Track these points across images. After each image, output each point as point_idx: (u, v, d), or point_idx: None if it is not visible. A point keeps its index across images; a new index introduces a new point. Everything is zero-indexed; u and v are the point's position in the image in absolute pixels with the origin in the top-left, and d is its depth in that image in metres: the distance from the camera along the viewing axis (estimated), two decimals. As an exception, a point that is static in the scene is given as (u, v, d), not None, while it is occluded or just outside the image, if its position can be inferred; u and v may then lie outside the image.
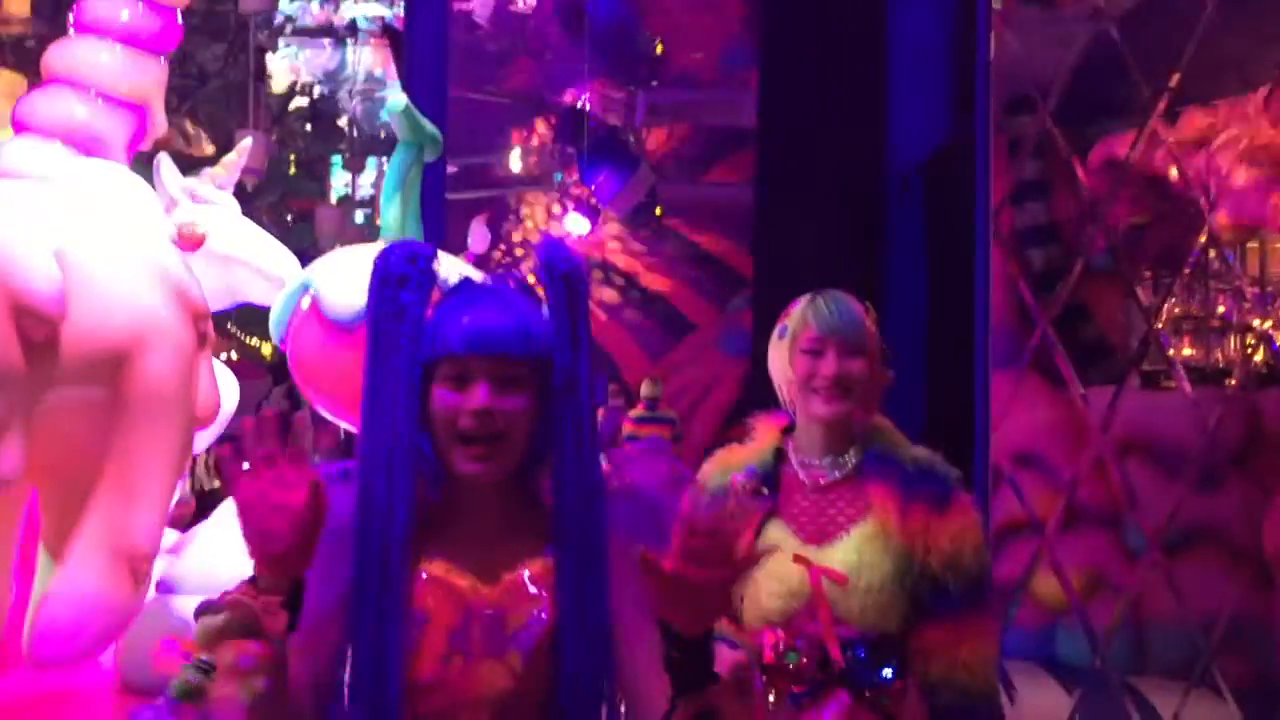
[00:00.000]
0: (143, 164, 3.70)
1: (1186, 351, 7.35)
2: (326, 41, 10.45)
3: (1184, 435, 6.05)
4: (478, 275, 1.74)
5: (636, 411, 7.94)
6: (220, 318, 4.62)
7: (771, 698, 2.18)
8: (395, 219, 3.14)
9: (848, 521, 2.21)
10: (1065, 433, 6.77)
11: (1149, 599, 6.06)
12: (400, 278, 1.52)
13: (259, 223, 10.46)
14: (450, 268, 1.71)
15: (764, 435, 2.36)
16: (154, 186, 3.72)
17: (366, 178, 10.42)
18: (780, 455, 2.30)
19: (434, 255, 1.54)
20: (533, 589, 1.53)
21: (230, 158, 4.23)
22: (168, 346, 2.60)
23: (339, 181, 10.67)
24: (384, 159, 9.98)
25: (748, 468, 2.28)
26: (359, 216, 9.22)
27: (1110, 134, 6.84)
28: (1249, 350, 7.64)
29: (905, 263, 5.84)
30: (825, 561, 2.17)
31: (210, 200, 3.83)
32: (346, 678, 1.47)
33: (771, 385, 2.35)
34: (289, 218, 10.39)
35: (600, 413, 7.22)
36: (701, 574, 1.41)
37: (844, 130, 5.81)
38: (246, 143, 4.38)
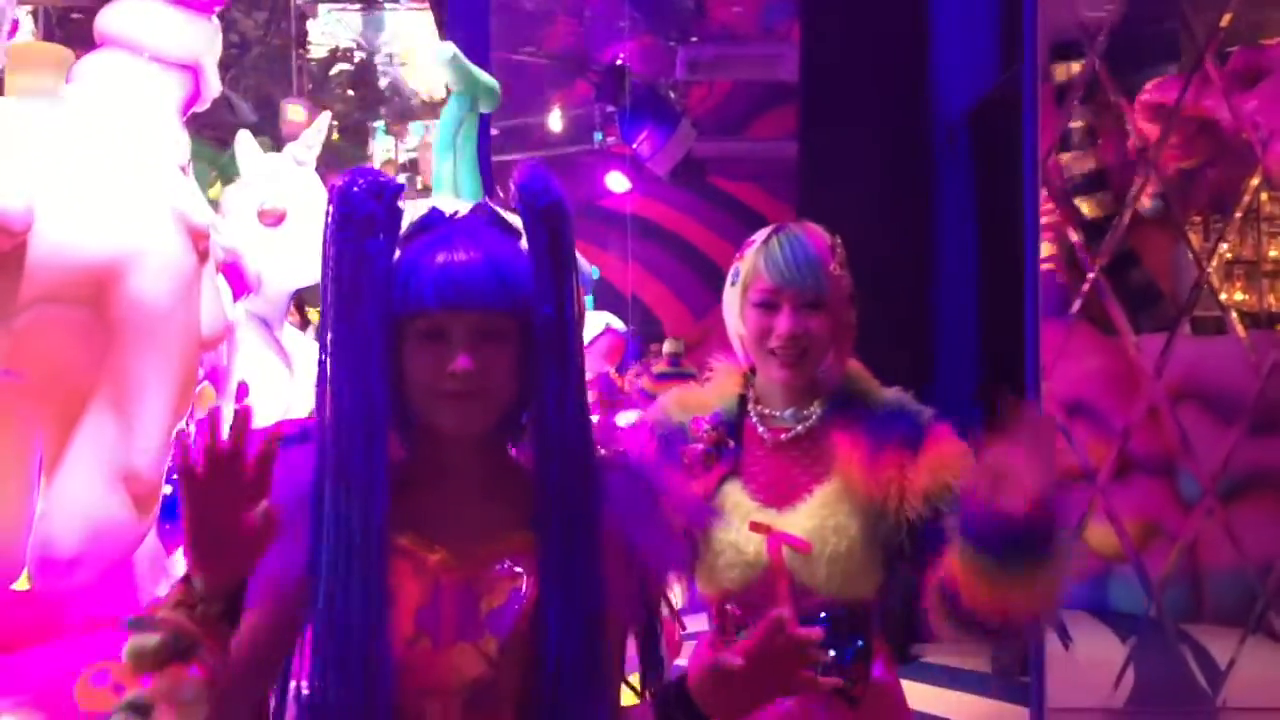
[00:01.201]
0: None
1: (1238, 296, 7.27)
2: (365, 6, 10.41)
3: (1237, 381, 6.00)
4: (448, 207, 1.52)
5: (659, 367, 7.93)
6: (305, 293, 4.62)
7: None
8: (449, 175, 3.08)
9: (811, 482, 1.98)
10: (1116, 382, 6.73)
11: (1204, 547, 6.04)
12: (366, 218, 1.32)
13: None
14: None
15: (726, 379, 2.12)
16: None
17: (411, 142, 10.40)
18: (742, 403, 2.07)
19: (400, 189, 1.37)
20: (512, 566, 1.36)
21: (310, 133, 4.25)
22: (159, 266, 2.50)
23: (381, 147, 10.69)
24: (428, 124, 9.99)
25: (712, 413, 2.05)
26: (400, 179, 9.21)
27: (1158, 78, 6.75)
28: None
29: (954, 215, 5.79)
30: (786, 527, 1.95)
31: (292, 176, 3.86)
32: (302, 663, 1.33)
33: None
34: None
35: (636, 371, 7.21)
36: (760, 687, 1.33)
37: (888, 82, 5.74)
38: (325, 118, 4.33)
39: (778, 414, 2.03)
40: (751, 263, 2.00)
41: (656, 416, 2.08)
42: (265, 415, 3.85)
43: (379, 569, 1.29)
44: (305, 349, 4.02)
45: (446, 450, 1.39)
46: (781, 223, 2.06)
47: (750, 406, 2.06)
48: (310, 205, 3.84)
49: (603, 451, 1.43)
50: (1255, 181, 5.55)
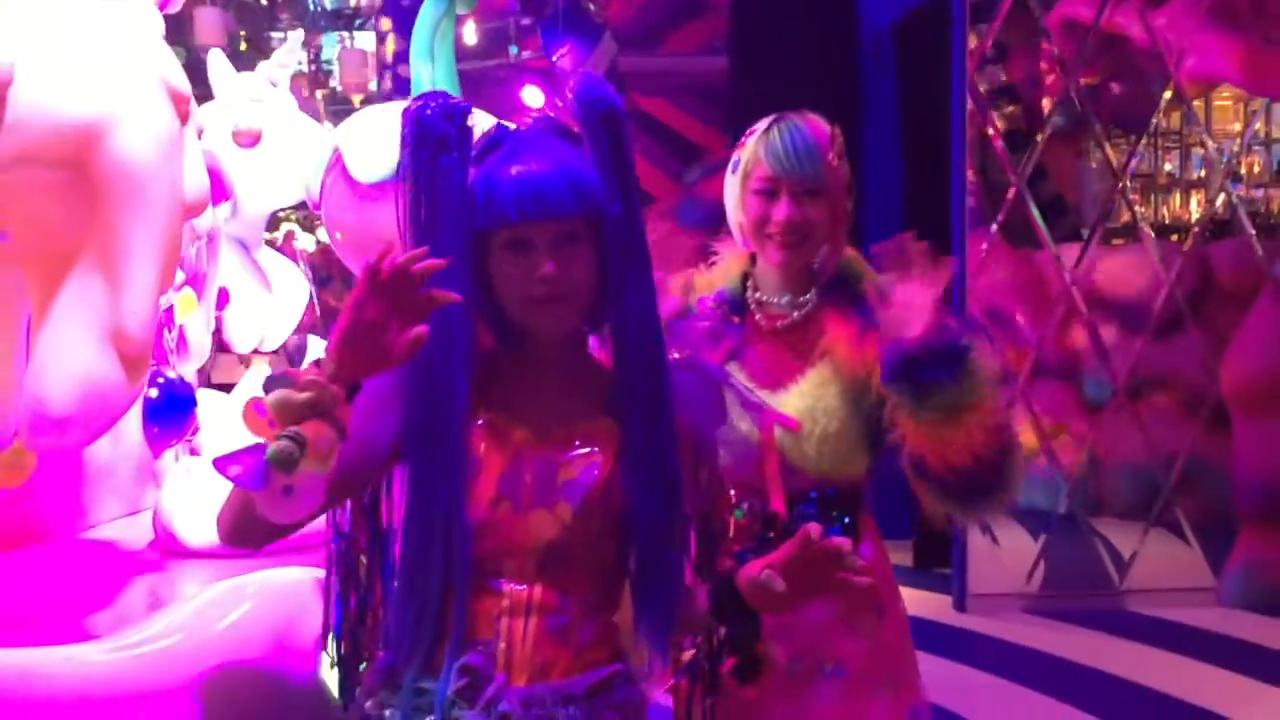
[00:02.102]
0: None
1: (1139, 209, 7.60)
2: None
3: (1141, 288, 6.32)
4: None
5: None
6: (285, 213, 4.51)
7: None
8: (428, 81, 3.04)
9: (804, 365, 2.04)
10: (1028, 291, 7.02)
11: (1107, 444, 6.39)
12: (439, 138, 1.42)
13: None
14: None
15: (730, 261, 2.15)
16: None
17: (327, 53, 10.15)
18: (746, 283, 2.11)
19: (469, 110, 1.45)
20: (587, 447, 1.48)
21: (282, 53, 4.17)
22: (141, 127, 2.47)
23: (294, 59, 10.38)
24: (344, 34, 9.75)
25: (717, 292, 2.11)
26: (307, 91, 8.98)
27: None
28: (1201, 205, 7.91)
29: (881, 127, 5.94)
30: (779, 408, 2.00)
31: (265, 98, 3.78)
32: (394, 519, 1.49)
33: None
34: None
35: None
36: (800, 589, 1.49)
37: (816, -4, 5.85)
38: (298, 35, 4.19)
39: (774, 300, 2.08)
40: (752, 151, 2.03)
41: (665, 299, 2.04)
42: (245, 336, 3.85)
43: (461, 442, 1.44)
44: (283, 270, 3.99)
45: (533, 345, 1.50)
46: (783, 112, 2.06)
47: (748, 294, 2.10)
48: (286, 126, 3.78)
49: (675, 354, 1.56)
50: (1167, 95, 5.77)
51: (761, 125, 2.05)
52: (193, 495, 2.79)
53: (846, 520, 2.04)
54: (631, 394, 1.47)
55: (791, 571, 1.47)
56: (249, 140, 3.62)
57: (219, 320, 3.67)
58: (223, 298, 3.56)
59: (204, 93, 3.44)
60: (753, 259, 2.13)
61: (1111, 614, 5.37)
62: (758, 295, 2.09)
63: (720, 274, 2.14)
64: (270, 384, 1.36)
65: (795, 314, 2.06)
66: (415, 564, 1.45)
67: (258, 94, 3.80)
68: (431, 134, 1.42)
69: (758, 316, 2.09)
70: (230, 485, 1.32)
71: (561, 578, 1.47)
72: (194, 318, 3.32)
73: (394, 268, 1.28)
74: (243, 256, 3.80)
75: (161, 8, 3.04)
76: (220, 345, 3.80)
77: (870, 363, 1.97)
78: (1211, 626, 5.15)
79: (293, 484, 1.27)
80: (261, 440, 1.28)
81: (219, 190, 3.34)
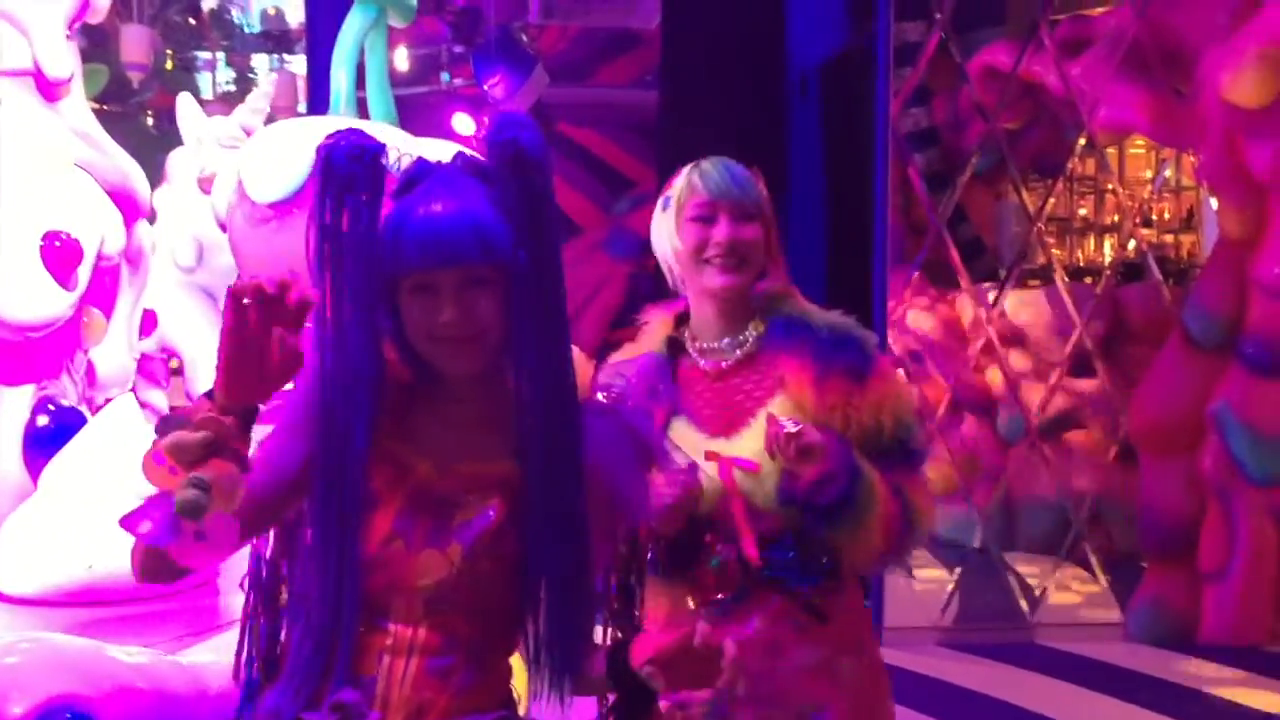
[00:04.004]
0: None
1: (1054, 252, 7.81)
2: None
3: (1054, 328, 6.49)
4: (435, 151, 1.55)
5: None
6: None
7: (692, 605, 2.01)
8: (346, 91, 3.00)
9: (755, 405, 2.01)
10: (946, 330, 7.18)
11: (1019, 481, 6.54)
12: (346, 179, 1.40)
13: (140, 121, 10.09)
14: (399, 144, 1.57)
15: (656, 328, 2.14)
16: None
17: (262, 76, 10.02)
18: (676, 346, 2.09)
19: (382, 149, 1.43)
20: (487, 489, 1.46)
21: (254, 97, 4.13)
22: None
23: (223, 78, 10.30)
24: (278, 57, 9.64)
25: (640, 359, 2.08)
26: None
27: (991, 42, 7.16)
28: (1114, 248, 8.14)
29: (805, 164, 6.04)
30: (737, 452, 1.97)
31: (236, 144, 3.73)
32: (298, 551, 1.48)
33: (665, 287, 2.12)
34: (148, 116, 10.06)
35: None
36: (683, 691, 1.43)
37: (745, 34, 5.93)
38: (271, 80, 4.11)
39: (714, 345, 2.06)
40: (685, 182, 2.04)
41: (604, 386, 2.06)
42: (204, 386, 3.77)
43: (356, 477, 1.43)
44: None
45: (446, 382, 1.49)
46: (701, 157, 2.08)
47: (688, 344, 2.08)
48: None
49: (599, 396, 1.55)
50: (1082, 142, 5.95)
51: (688, 167, 2.07)
52: (22, 542, 2.77)
53: (824, 561, 2.00)
54: (532, 438, 1.45)
55: (671, 665, 1.43)
56: (211, 187, 3.59)
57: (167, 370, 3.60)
58: (149, 322, 3.52)
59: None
60: (679, 319, 2.12)
61: (1022, 647, 5.47)
62: (697, 344, 2.08)
63: (645, 343, 2.13)
64: (163, 426, 1.34)
65: (738, 352, 2.05)
66: (306, 597, 1.45)
67: (228, 139, 3.76)
68: (338, 173, 1.40)
69: (702, 364, 2.06)
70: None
71: (448, 620, 1.45)
72: (109, 344, 3.26)
73: (257, 290, 1.28)
74: (209, 308, 3.74)
75: (79, 17, 3.00)
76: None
77: (830, 411, 1.96)
78: (1118, 660, 5.27)
79: (203, 529, 1.27)
80: (166, 488, 1.27)
81: (132, 210, 3.29)
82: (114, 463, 2.88)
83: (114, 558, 2.75)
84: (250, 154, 2.98)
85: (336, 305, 1.41)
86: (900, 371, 2.09)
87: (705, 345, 2.07)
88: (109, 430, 3.04)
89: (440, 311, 1.41)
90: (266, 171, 2.83)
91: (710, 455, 1.97)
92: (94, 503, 2.85)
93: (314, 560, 1.44)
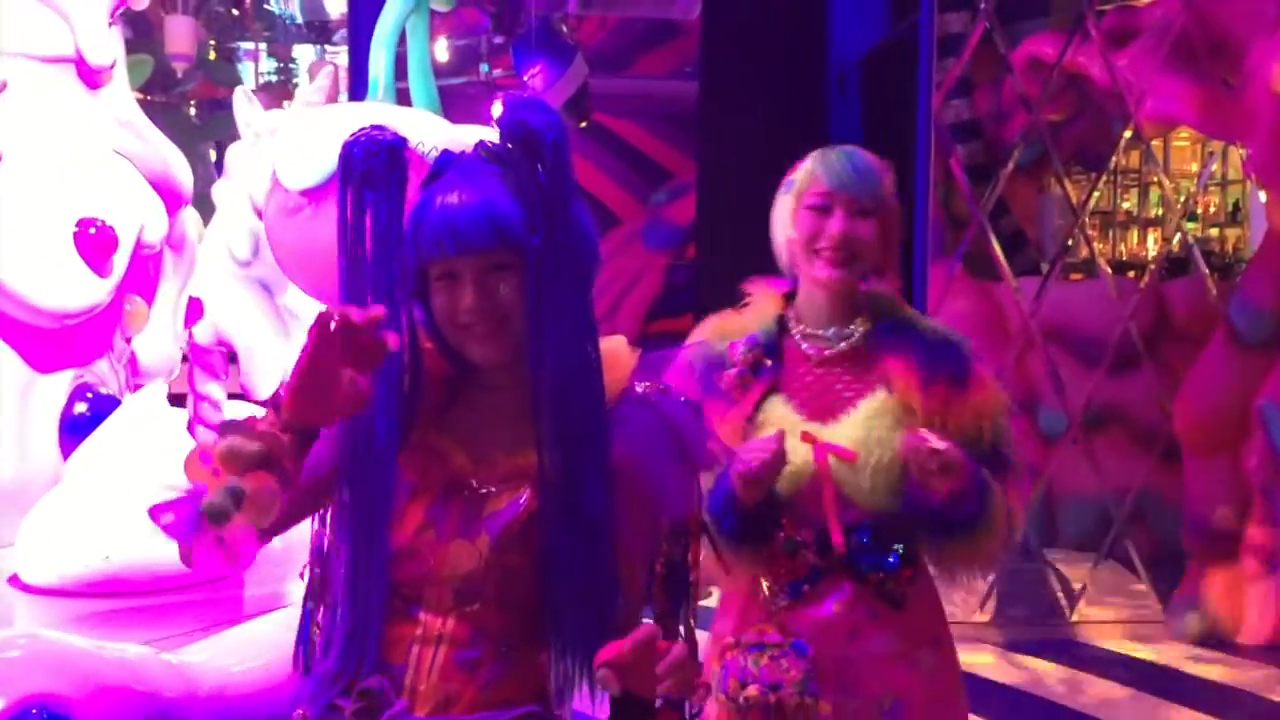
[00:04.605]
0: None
1: (1097, 245, 7.72)
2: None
3: (1098, 323, 6.41)
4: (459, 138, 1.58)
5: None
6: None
7: (766, 588, 2.03)
8: (384, 75, 2.99)
9: (855, 395, 2.02)
10: (987, 324, 7.11)
11: (1061, 477, 6.47)
12: (364, 175, 1.42)
13: (183, 111, 10.18)
14: (430, 133, 1.61)
15: (764, 302, 2.13)
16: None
17: (303, 64, 10.10)
18: (782, 325, 2.09)
19: (401, 144, 1.43)
20: (519, 479, 1.46)
21: (309, 90, 4.12)
22: None
23: (265, 68, 10.37)
24: (322, 47, 9.68)
25: (748, 336, 2.08)
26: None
27: (1035, 33, 7.08)
28: (1158, 242, 8.04)
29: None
30: (832, 438, 1.99)
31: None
32: (327, 541, 1.49)
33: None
34: (191, 106, 10.15)
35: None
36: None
37: (786, 25, 5.91)
38: (328, 73, 4.09)
39: (819, 332, 2.07)
40: (808, 169, 2.04)
41: (696, 346, 2.10)
42: (263, 382, 3.79)
43: (385, 470, 1.44)
44: (312, 313, 3.91)
45: (480, 372, 1.50)
46: (829, 145, 2.09)
47: (792, 326, 2.09)
48: None
49: (639, 387, 1.50)
50: (1127, 135, 5.87)
51: (816, 151, 2.06)
52: (44, 531, 2.79)
53: (901, 549, 2.02)
54: (549, 427, 1.43)
55: (625, 668, 1.35)
56: None
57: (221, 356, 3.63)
58: (194, 310, 3.54)
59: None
60: (787, 298, 2.12)
61: (1062, 645, 5.42)
62: (801, 328, 2.09)
63: (753, 317, 2.12)
64: (224, 429, 1.34)
65: (843, 344, 2.06)
66: (340, 585, 1.46)
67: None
68: (356, 170, 1.42)
69: (804, 346, 2.07)
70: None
71: (477, 612, 1.44)
72: (152, 332, 3.29)
73: (344, 319, 1.28)
74: (264, 300, 3.76)
75: (121, 4, 3.01)
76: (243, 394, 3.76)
77: (930, 414, 1.97)
78: (1159, 659, 5.21)
79: (225, 537, 1.28)
80: (202, 487, 1.29)
81: (174, 200, 3.32)
82: (136, 454, 2.89)
83: (132, 549, 2.78)
84: (283, 142, 2.98)
85: (360, 300, 1.41)
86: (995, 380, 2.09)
87: (810, 330, 2.08)
88: (133, 421, 3.05)
89: (462, 299, 1.42)
90: (298, 159, 2.85)
91: (806, 437, 1.98)
92: (114, 494, 2.87)
93: (344, 550, 1.45)
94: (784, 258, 2.10)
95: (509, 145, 1.43)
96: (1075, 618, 5.63)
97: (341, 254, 1.43)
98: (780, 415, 2.01)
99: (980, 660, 5.13)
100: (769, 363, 2.05)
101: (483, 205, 1.41)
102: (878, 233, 2.01)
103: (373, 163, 1.42)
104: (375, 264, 1.42)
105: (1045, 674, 5.00)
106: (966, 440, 1.96)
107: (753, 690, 1.47)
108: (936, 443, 1.88)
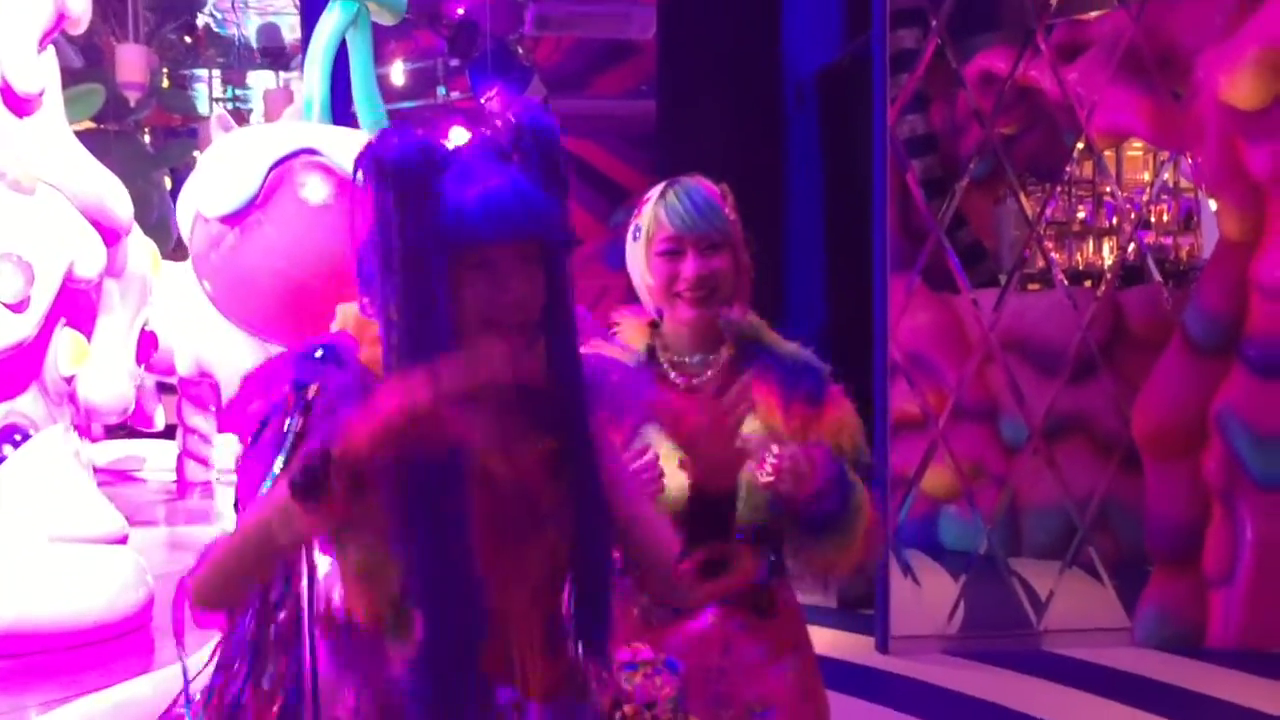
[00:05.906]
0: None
1: (1054, 255, 7.81)
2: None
3: (1056, 333, 6.47)
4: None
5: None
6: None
7: (640, 608, 2.06)
8: (319, 91, 2.94)
9: None
10: (947, 335, 7.16)
11: (1025, 487, 6.51)
12: (397, 174, 1.35)
13: (137, 139, 10.10)
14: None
15: (632, 333, 2.17)
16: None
17: (256, 91, 10.05)
18: (651, 354, 2.13)
19: (432, 141, 1.40)
20: (551, 468, 1.48)
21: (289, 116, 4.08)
22: None
23: (219, 94, 10.30)
24: (278, 73, 9.63)
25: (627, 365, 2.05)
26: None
27: (987, 48, 7.16)
28: (1114, 251, 8.13)
29: (803, 172, 6.03)
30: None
31: None
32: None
33: None
34: (145, 134, 10.06)
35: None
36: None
37: (741, 43, 5.94)
38: (293, 110, 3.96)
39: (687, 359, 2.12)
40: (652, 215, 2.07)
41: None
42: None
43: (461, 516, 1.38)
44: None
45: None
46: (672, 178, 2.11)
47: (660, 355, 2.13)
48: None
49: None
50: (1079, 146, 5.94)
51: (654, 191, 2.10)
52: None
53: (771, 559, 2.09)
54: (573, 430, 1.48)
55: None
56: None
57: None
58: (147, 343, 3.47)
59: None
60: (653, 326, 2.16)
61: (1029, 654, 5.44)
62: (668, 355, 2.13)
63: (625, 350, 2.14)
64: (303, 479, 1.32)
65: (709, 372, 2.11)
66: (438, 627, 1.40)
67: None
68: (389, 169, 1.36)
69: (673, 376, 2.12)
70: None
71: (553, 596, 1.51)
72: (101, 369, 3.21)
73: (429, 413, 1.27)
74: (244, 332, 3.71)
75: (52, 31, 2.96)
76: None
77: (794, 434, 2.03)
78: (1125, 666, 5.24)
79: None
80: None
81: (108, 232, 3.26)
82: (24, 502, 2.78)
83: (20, 605, 2.67)
84: (198, 174, 2.94)
85: (418, 290, 1.37)
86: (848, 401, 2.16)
87: (677, 358, 2.13)
88: (23, 470, 2.94)
89: (504, 291, 1.39)
90: (215, 187, 2.79)
91: (684, 464, 1.99)
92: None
93: (433, 593, 1.38)
94: (645, 300, 2.14)
95: (530, 146, 1.43)
96: (1041, 626, 5.65)
97: (383, 263, 1.37)
98: (655, 442, 2.02)
99: (948, 672, 5.14)
100: (642, 394, 2.06)
101: (525, 193, 1.40)
102: (730, 263, 2.07)
103: (408, 160, 1.36)
104: (411, 263, 1.36)
105: (1013, 684, 5.02)
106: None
107: (628, 709, 1.50)
108: (772, 456, 1.95)
